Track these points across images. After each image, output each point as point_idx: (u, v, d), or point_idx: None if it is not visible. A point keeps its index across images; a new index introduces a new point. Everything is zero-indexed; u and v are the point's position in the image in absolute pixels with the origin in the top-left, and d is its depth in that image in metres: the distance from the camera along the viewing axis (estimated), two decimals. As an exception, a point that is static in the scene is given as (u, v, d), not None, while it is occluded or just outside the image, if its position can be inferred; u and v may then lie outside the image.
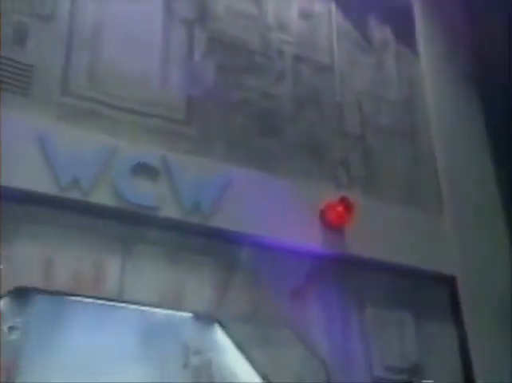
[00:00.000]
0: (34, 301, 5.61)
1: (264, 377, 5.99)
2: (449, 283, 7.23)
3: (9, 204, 5.52)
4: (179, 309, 6.04)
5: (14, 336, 5.39)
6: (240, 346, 6.06)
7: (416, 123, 8.14)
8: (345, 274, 6.80)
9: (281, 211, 6.53)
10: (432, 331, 6.97)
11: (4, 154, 5.50)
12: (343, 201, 6.63)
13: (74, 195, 5.78)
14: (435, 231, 7.37)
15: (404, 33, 8.55)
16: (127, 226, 6.02)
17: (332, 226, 6.70)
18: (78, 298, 5.75)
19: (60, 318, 5.68)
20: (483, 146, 8.22)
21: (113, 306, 5.86)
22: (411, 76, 8.38)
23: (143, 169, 6.11)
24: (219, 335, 6.11)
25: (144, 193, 6.04)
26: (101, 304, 5.82)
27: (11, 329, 5.40)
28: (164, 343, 5.96)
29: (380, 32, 8.42)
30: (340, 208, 6.64)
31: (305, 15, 8.01)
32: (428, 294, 7.17)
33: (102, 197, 5.90)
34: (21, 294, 5.52)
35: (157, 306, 5.95)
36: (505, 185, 7.94)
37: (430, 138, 8.03)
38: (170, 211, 6.12)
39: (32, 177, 5.67)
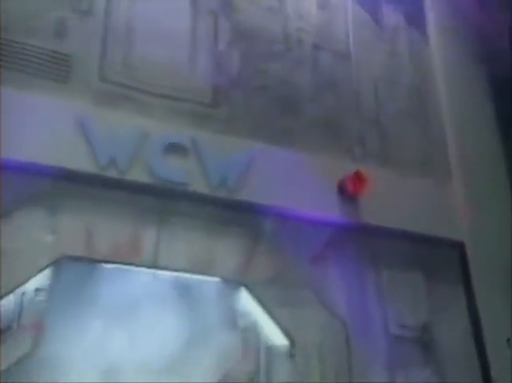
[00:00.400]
0: (74, 268, 5.99)
1: (287, 335, 6.29)
2: (458, 248, 7.39)
3: (54, 181, 5.95)
4: (209, 274, 6.34)
5: (41, 297, 5.77)
6: (265, 307, 6.35)
7: (428, 102, 8.28)
8: (362, 241, 7.00)
9: (301, 184, 6.77)
10: (443, 292, 7.13)
11: (47, 137, 5.92)
12: (358, 174, 6.84)
13: (112, 173, 6.13)
14: (445, 201, 7.50)
15: (415, 20, 8.70)
16: (160, 200, 6.33)
17: (349, 197, 6.92)
18: (116, 266, 6.12)
19: (96, 284, 6.07)
20: (491, 121, 8.34)
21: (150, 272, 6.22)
22: (422, 59, 8.53)
23: (174, 149, 6.41)
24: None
25: (175, 170, 6.35)
26: (138, 271, 6.18)
27: (38, 290, 5.78)
28: (208, 308, 6.36)
29: (393, 19, 8.59)
30: (355, 180, 6.84)
31: (323, 5, 8.23)
32: (439, 258, 7.32)
33: (137, 175, 6.22)
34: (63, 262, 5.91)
35: (189, 272, 6.25)
36: (511, 157, 8.11)
37: (440, 116, 8.16)
38: (199, 186, 6.41)
39: (74, 157, 6.03)
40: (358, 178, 6.83)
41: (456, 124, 8.16)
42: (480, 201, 7.67)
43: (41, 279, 5.78)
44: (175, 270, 6.23)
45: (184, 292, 6.32)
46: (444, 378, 6.68)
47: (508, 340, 6.80)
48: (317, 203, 6.83)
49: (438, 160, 7.90)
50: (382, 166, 7.49)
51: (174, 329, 6.12)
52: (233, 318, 6.46)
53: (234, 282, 6.43)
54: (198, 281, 6.35)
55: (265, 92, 7.33)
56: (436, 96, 8.35)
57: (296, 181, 6.78)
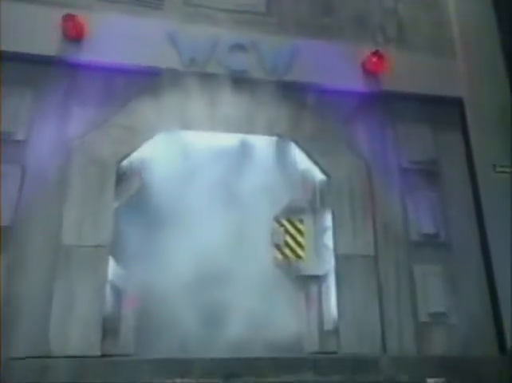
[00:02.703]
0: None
1: (326, 173, 7.74)
2: (458, 104, 8.33)
3: (154, 77, 7.61)
4: (268, 134, 7.81)
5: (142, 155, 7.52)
6: (310, 156, 7.80)
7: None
8: (382, 105, 8.18)
9: (334, 66, 8.02)
10: (446, 137, 8.19)
11: (148, 47, 7.62)
12: (376, 53, 7.99)
13: (193, 68, 7.75)
14: (449, 70, 8.42)
15: None
16: (229, 85, 7.75)
17: (371, 73, 8.07)
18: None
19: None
20: (489, 8, 8.94)
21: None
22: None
23: (237, 47, 7.88)
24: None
25: (239, 62, 7.85)
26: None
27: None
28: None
29: None
30: (374, 59, 8.00)
31: None
32: (443, 112, 8.33)
33: (212, 68, 7.79)
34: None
35: (251, 133, 7.77)
36: (504, 28, 8.74)
37: (447, 3, 8.99)
38: (257, 73, 7.89)
39: (166, 59, 7.72)
40: (377, 57, 8.00)
41: (459, 8, 8.91)
42: (476, 68, 8.48)
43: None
44: (243, 133, 7.74)
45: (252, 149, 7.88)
46: (446, 198, 7.87)
47: (494, 165, 7.85)
48: (347, 79, 8.05)
49: (445, 40, 8.71)
50: (399, 47, 8.47)
51: (245, 173, 7.68)
52: (295, 163, 7.93)
53: (286, 139, 7.83)
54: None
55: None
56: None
57: (331, 64, 8.00)
